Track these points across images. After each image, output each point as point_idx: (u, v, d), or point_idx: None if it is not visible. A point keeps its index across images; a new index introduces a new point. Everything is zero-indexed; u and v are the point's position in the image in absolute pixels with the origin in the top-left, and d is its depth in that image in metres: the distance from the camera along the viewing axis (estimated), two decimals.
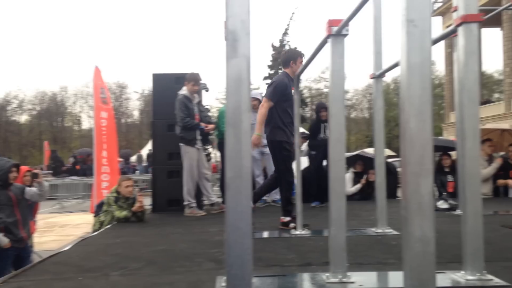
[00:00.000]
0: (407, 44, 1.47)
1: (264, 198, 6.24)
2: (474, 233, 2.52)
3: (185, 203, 5.88)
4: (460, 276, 2.52)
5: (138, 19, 65.26)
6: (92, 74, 9.73)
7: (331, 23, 2.43)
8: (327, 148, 2.60)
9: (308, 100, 36.55)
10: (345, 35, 2.46)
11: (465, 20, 2.38)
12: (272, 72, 32.27)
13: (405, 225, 1.53)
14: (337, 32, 2.44)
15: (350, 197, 6.88)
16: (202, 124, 5.98)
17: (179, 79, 6.31)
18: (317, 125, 6.52)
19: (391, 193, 6.49)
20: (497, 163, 7.05)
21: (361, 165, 7.36)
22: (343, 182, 2.59)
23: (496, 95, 40.66)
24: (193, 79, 5.97)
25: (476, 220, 2.55)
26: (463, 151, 2.56)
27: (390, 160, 11.57)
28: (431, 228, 1.49)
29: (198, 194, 6.15)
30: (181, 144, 5.94)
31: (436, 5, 27.55)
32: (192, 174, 5.89)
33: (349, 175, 7.19)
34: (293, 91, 4.35)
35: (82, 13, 64.29)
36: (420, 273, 1.48)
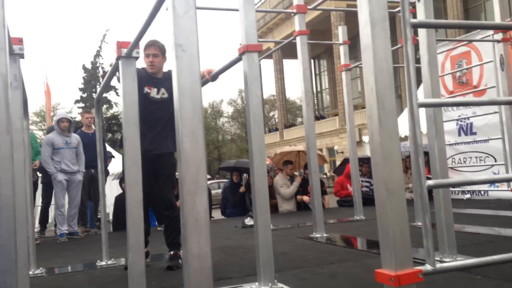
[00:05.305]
0: (177, 68, 1.52)
1: None
2: (265, 246, 2.72)
3: None
4: (255, 287, 2.68)
5: None
6: None
7: (121, 45, 2.41)
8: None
9: None
10: (136, 57, 2.46)
11: (247, 50, 2.60)
12: (84, 95, 30.29)
13: (184, 243, 1.55)
14: (127, 54, 2.42)
15: None
16: None
17: None
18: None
19: None
20: (297, 181, 7.81)
21: None
22: (141, 207, 2.54)
23: (299, 119, 45.57)
24: None
25: (266, 233, 2.75)
26: (252, 169, 2.76)
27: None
28: (208, 243, 1.54)
29: None
30: None
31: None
32: None
33: None
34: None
35: None
36: None
